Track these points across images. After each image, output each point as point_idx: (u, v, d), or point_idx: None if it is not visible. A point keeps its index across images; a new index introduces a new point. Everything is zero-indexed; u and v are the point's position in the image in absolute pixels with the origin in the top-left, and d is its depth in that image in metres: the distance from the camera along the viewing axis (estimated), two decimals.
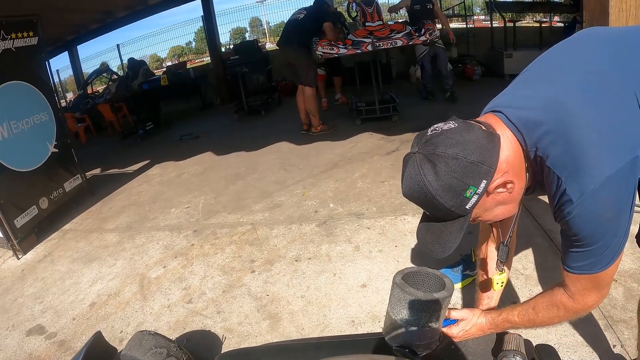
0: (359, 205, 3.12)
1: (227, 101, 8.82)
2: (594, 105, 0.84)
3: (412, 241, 2.48)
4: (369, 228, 2.80)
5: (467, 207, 0.87)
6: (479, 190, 0.85)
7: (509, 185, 0.89)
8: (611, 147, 0.81)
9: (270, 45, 12.81)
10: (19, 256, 3.67)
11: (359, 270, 2.36)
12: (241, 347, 1.95)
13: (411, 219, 2.74)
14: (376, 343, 1.29)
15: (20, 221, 3.71)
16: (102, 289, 2.77)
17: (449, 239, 0.93)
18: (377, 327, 1.90)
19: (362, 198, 3.23)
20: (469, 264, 2.09)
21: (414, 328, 1.06)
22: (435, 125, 0.91)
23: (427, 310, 1.03)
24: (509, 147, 0.89)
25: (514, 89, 1.01)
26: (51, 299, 2.84)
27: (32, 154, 3.95)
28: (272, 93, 8.09)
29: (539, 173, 0.91)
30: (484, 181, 0.85)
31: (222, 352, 1.98)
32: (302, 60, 5.01)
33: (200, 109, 9.21)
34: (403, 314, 1.06)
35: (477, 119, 0.96)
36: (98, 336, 2.07)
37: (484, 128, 0.89)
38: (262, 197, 3.64)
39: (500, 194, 0.90)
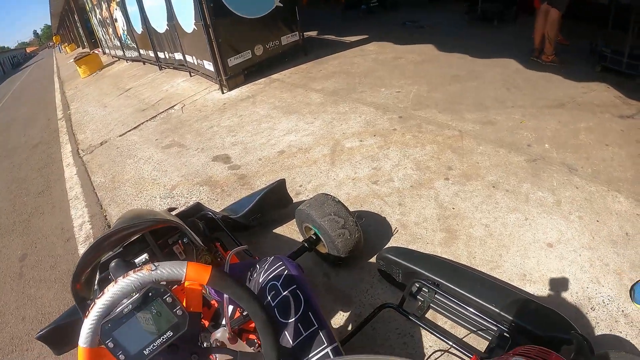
0: (575, 159, 2.65)
1: None
2: None
3: (617, 228, 1.99)
4: (577, 187, 2.38)
5: None
6: None
7: None
8: None
9: None
10: (224, 91, 4.10)
11: (552, 227, 2.04)
12: (409, 247, 1.88)
13: (623, 200, 2.18)
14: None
15: (233, 61, 4.09)
16: (295, 141, 2.90)
17: None
18: (546, 291, 1.70)
19: (580, 152, 2.74)
20: None
21: None
22: None
23: None
24: None
25: None
26: (244, 135, 3.08)
27: (258, 3, 4.20)
28: (511, 5, 7.16)
29: None
30: None
31: (389, 244, 1.95)
32: None
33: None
34: None
35: None
36: (281, 183, 2.20)
37: None
38: (477, 108, 3.32)
39: None
